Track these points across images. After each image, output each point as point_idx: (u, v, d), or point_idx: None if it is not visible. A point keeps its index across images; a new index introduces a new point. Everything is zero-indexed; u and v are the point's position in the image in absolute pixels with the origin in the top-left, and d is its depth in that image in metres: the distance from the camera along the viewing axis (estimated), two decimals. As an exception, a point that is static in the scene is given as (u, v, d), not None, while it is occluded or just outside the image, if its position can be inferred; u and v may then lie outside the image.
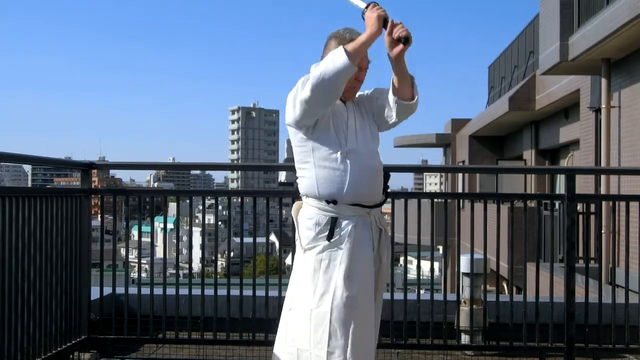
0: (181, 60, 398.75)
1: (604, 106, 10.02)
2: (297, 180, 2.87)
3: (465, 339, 4.51)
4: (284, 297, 2.91)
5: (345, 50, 2.58)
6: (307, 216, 2.78)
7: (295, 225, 2.87)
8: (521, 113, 15.18)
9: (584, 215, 4.56)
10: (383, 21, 2.66)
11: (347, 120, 2.83)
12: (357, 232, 2.72)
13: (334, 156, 2.73)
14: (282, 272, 4.69)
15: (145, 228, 4.53)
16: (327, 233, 2.70)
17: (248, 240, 6.18)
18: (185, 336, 4.33)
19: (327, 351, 2.64)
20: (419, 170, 4.86)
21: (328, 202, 2.72)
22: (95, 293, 4.35)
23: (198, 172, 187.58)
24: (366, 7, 2.71)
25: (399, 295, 4.36)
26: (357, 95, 2.98)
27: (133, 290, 4.43)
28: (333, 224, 2.71)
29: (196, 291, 4.34)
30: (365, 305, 2.71)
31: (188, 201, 4.47)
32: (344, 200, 2.72)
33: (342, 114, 2.83)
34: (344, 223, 2.72)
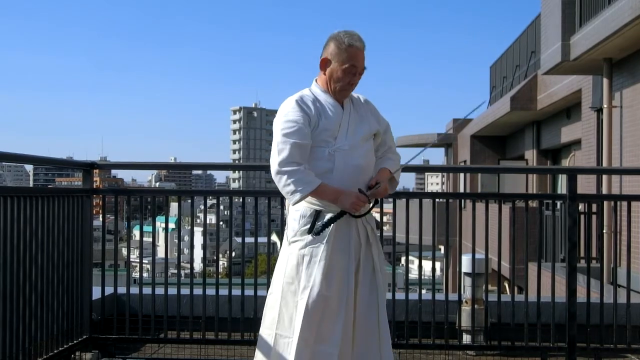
0: (183, 60, 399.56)
1: (605, 106, 10.01)
2: None
3: (466, 338, 4.51)
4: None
5: (302, 194, 2.81)
6: (295, 208, 2.96)
7: (286, 216, 3.09)
8: (523, 113, 15.17)
9: (586, 215, 4.57)
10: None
11: (341, 121, 2.97)
12: (338, 230, 2.88)
13: (321, 154, 2.91)
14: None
15: (147, 228, 4.54)
16: (309, 225, 2.87)
17: (249, 240, 6.19)
18: (187, 336, 4.34)
19: (298, 341, 2.82)
20: (421, 170, 4.85)
21: None
22: (97, 293, 4.35)
23: (200, 172, 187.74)
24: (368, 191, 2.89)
25: (400, 295, 4.36)
26: (370, 104, 3.12)
27: (135, 290, 4.44)
28: (316, 216, 2.88)
29: (198, 291, 4.35)
30: (338, 303, 2.86)
31: (189, 201, 4.48)
32: None
33: (337, 116, 2.97)
34: (327, 216, 2.87)
